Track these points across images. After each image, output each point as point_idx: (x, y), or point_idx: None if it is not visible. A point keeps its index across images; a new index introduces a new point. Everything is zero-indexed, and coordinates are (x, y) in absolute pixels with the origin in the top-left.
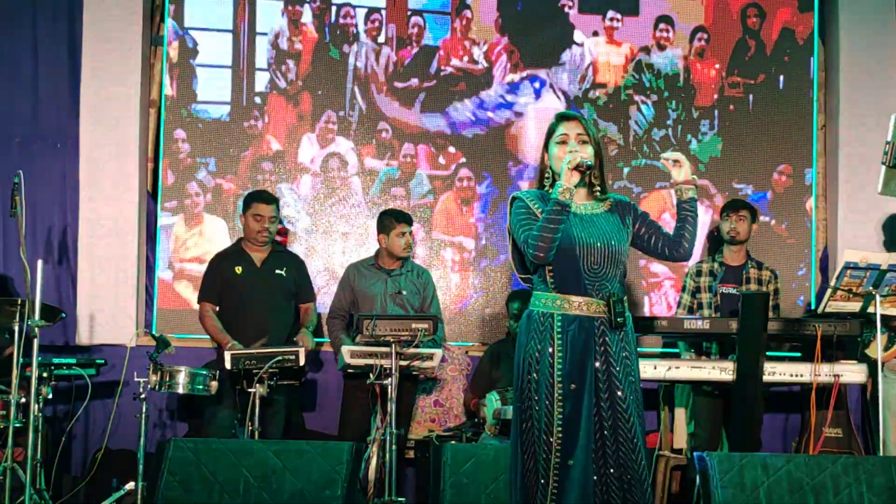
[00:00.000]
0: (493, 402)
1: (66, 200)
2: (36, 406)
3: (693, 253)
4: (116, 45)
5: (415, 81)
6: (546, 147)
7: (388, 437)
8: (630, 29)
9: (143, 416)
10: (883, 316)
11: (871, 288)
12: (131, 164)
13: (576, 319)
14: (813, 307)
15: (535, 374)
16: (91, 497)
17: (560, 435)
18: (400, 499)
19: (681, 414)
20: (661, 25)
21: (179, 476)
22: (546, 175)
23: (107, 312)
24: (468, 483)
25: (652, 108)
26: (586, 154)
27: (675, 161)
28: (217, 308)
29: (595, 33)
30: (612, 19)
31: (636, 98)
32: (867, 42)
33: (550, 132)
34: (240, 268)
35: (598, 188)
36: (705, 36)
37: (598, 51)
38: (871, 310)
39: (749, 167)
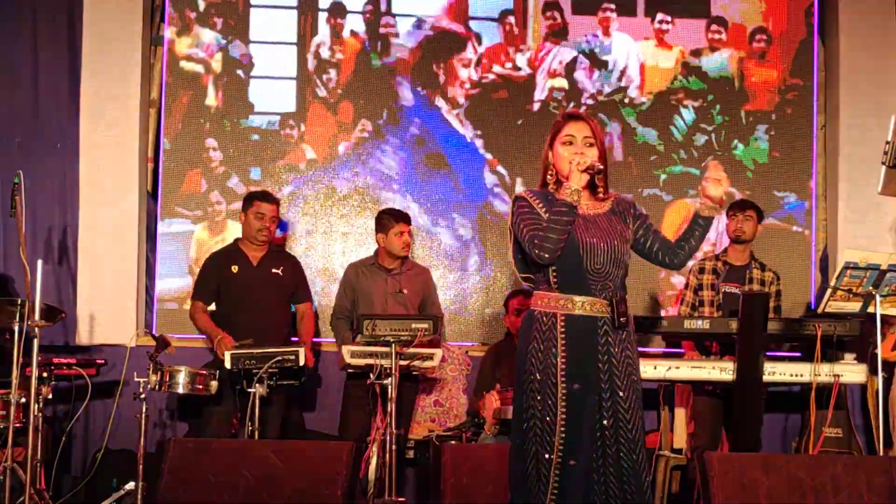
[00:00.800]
0: (493, 402)
1: (66, 200)
2: (36, 406)
3: (686, 265)
4: (116, 45)
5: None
6: (550, 146)
7: (388, 437)
8: (681, 31)
9: (143, 416)
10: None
11: (871, 288)
12: (131, 164)
13: (579, 319)
14: (813, 307)
15: (537, 374)
16: (91, 497)
17: (563, 435)
18: (400, 499)
19: (681, 414)
20: (714, 27)
21: (179, 476)
22: (549, 174)
23: (107, 312)
24: (468, 483)
25: (693, 112)
26: (593, 156)
27: (717, 179)
28: (208, 307)
29: (646, 37)
30: (661, 21)
31: (683, 102)
32: (867, 42)
33: (556, 131)
34: (236, 267)
35: (602, 188)
36: (765, 37)
37: (646, 54)
38: (871, 310)
39: (793, 174)
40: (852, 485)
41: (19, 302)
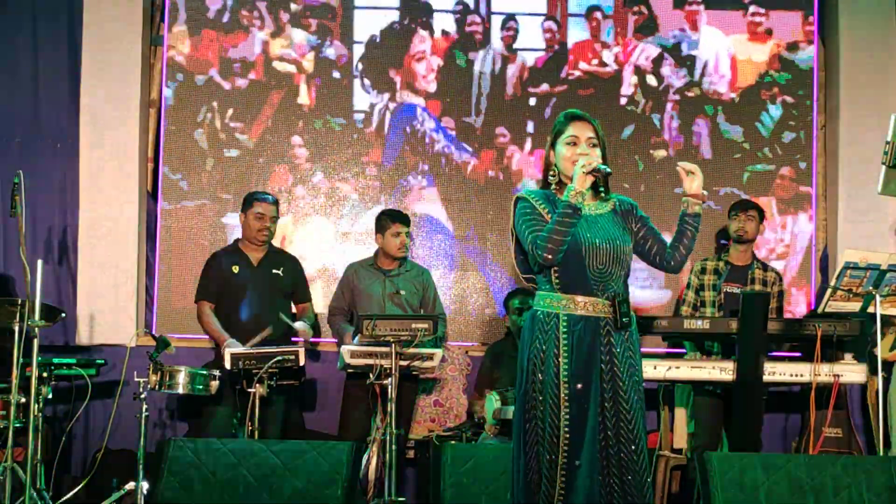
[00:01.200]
0: (493, 402)
1: (66, 200)
2: (36, 406)
3: (683, 267)
4: (116, 45)
5: (545, 87)
6: (552, 145)
7: (388, 437)
8: (775, 23)
9: (143, 416)
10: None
11: (871, 288)
12: (131, 164)
13: (581, 319)
14: (813, 307)
15: (540, 375)
16: (91, 497)
17: (567, 436)
18: (400, 499)
19: (681, 414)
20: (810, 19)
21: (179, 476)
22: (551, 174)
23: (107, 312)
24: (468, 483)
25: (782, 108)
26: (597, 158)
27: (690, 172)
28: (214, 307)
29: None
30: (754, 14)
31: (774, 97)
32: (867, 42)
33: (559, 132)
34: (237, 267)
35: (603, 189)
36: None
37: (737, 48)
38: (871, 310)
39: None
40: (852, 485)
41: (19, 302)
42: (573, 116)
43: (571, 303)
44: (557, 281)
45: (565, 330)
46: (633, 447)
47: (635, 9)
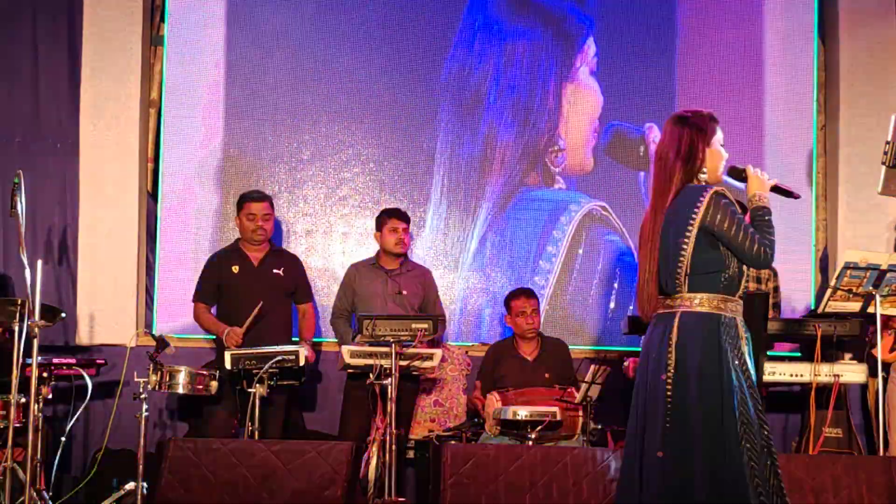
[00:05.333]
0: (493, 402)
1: (66, 200)
2: (36, 406)
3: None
4: (116, 45)
5: None
6: (707, 143)
7: (388, 437)
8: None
9: (143, 416)
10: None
11: (871, 288)
12: (131, 164)
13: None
14: (813, 307)
15: (743, 378)
16: (91, 497)
17: (768, 436)
18: (400, 499)
19: None
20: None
21: (179, 476)
22: (704, 170)
23: (107, 312)
24: (468, 483)
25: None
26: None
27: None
28: (210, 308)
29: None
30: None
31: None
32: (867, 42)
33: (712, 131)
34: (237, 267)
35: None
36: None
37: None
38: (871, 310)
39: None
40: (852, 485)
41: (19, 302)
42: (715, 118)
43: (737, 305)
44: (724, 282)
45: (744, 334)
46: None
47: None
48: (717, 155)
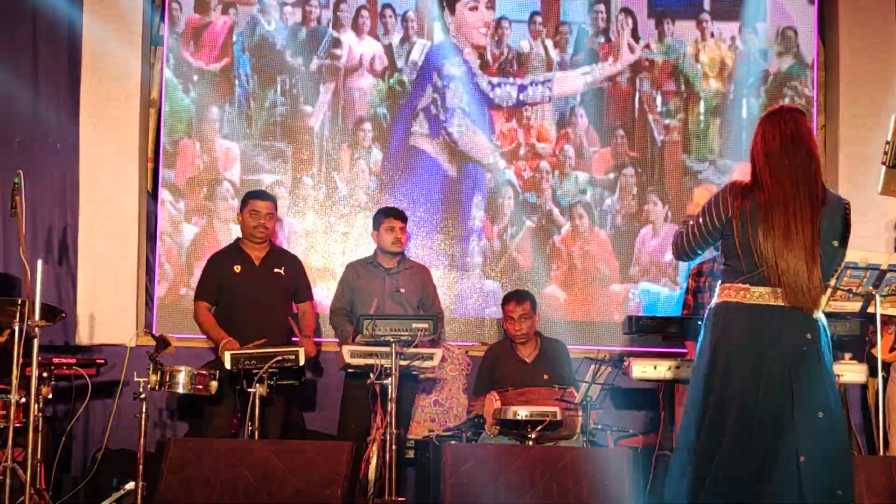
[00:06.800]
0: (493, 402)
1: (66, 200)
2: (36, 406)
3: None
4: (116, 45)
5: None
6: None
7: (388, 437)
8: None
9: (143, 416)
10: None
11: (871, 288)
12: (131, 164)
13: None
14: None
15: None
16: (91, 497)
17: None
18: (400, 499)
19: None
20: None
21: (179, 476)
22: None
23: (107, 312)
24: (468, 483)
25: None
26: None
27: None
28: (212, 307)
29: None
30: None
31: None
32: (867, 42)
33: None
34: (238, 266)
35: None
36: None
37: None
38: (871, 310)
39: None
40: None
41: (19, 302)
42: None
43: None
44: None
45: None
46: None
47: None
48: None
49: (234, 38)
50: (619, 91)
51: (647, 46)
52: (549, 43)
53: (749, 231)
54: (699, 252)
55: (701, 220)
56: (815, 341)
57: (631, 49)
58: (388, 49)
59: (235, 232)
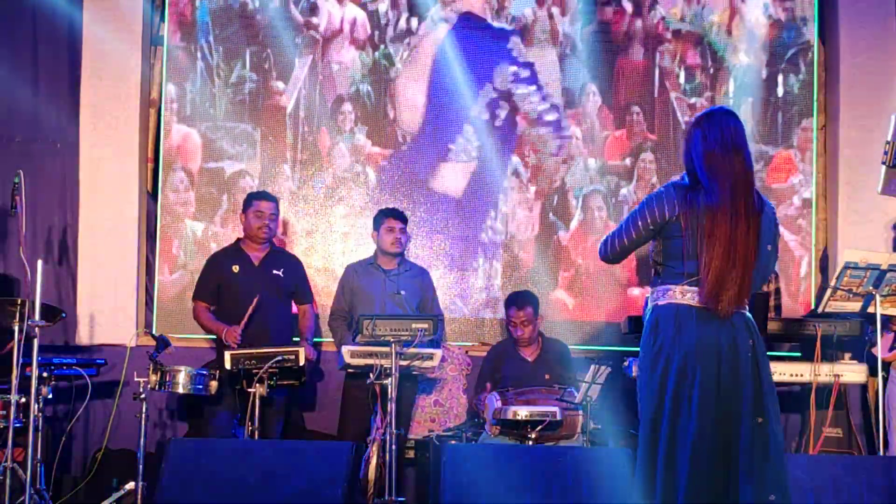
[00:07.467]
0: (493, 402)
1: (66, 200)
2: (36, 406)
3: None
4: (116, 45)
5: None
6: None
7: (388, 437)
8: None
9: (143, 416)
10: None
11: (871, 288)
12: (131, 164)
13: None
14: (813, 307)
15: None
16: (91, 497)
17: None
18: (400, 499)
19: None
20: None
21: (179, 476)
22: None
23: (107, 312)
24: (468, 483)
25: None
26: None
27: None
28: (211, 307)
29: None
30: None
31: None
32: (867, 42)
33: None
34: (237, 267)
35: None
36: None
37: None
38: (871, 310)
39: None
40: (852, 485)
41: (19, 302)
42: None
43: None
44: None
45: None
46: None
47: None
48: None
49: (197, 4)
50: (632, 65)
51: (666, 16)
52: (555, 11)
53: (697, 234)
54: (630, 252)
55: (640, 220)
56: (759, 344)
57: (647, 18)
58: (373, 16)
59: (237, 231)
